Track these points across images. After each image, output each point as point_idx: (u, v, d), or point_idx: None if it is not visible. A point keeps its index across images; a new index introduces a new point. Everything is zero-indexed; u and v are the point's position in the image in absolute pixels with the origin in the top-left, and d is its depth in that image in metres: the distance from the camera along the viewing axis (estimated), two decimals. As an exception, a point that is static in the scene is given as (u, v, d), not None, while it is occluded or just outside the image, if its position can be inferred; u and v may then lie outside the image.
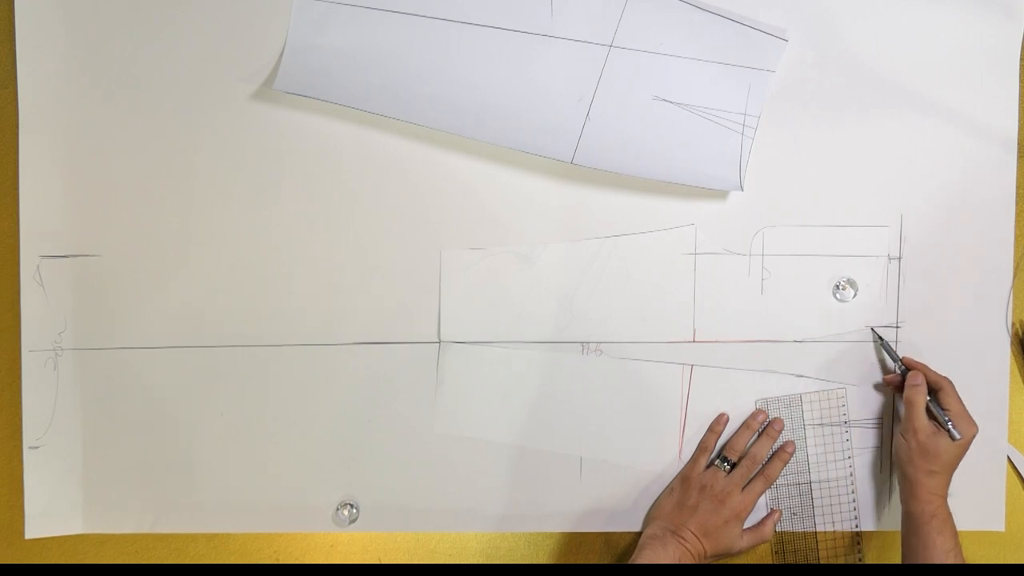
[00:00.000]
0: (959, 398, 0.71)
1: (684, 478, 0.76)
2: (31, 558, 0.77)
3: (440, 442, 0.77)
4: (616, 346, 0.77)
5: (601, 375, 0.77)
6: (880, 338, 0.76)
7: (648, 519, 0.77)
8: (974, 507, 0.77)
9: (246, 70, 0.75)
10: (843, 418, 0.77)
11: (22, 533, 0.77)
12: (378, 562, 0.78)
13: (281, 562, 0.78)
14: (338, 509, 0.77)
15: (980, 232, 0.76)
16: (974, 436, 0.70)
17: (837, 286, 0.77)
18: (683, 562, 0.70)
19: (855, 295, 0.77)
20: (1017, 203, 0.77)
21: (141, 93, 0.75)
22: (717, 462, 0.76)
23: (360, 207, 0.76)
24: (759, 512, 0.77)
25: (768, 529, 0.76)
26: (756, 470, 0.76)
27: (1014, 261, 0.77)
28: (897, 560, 0.73)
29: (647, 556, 0.70)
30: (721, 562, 0.76)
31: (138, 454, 0.77)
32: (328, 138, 0.76)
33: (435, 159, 0.76)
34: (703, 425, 0.77)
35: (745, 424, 0.77)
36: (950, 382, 0.72)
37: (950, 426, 0.70)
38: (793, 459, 0.77)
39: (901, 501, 0.72)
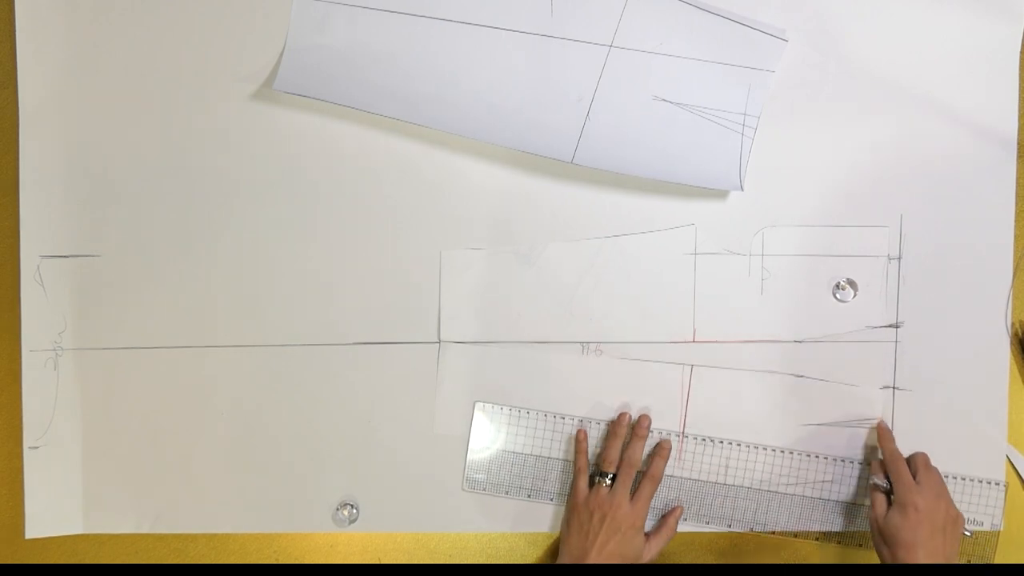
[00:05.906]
0: None
1: (572, 507, 0.73)
2: (31, 558, 0.77)
3: (440, 442, 0.77)
4: (616, 346, 0.77)
5: (601, 375, 0.77)
6: None
7: (559, 553, 0.73)
8: (974, 507, 0.77)
9: (246, 70, 0.75)
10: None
11: (22, 533, 0.77)
12: (378, 562, 0.78)
13: (281, 562, 0.78)
14: (338, 509, 0.77)
15: (980, 232, 0.76)
16: None
17: (837, 286, 0.77)
18: None
19: (855, 295, 0.77)
20: (1017, 203, 0.77)
21: (141, 93, 0.75)
22: (598, 479, 0.72)
23: (360, 207, 0.76)
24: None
25: (671, 525, 0.73)
26: (635, 474, 0.72)
27: (1014, 261, 0.77)
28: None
29: None
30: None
31: (138, 454, 0.77)
32: (328, 138, 0.76)
33: (435, 159, 0.76)
34: (703, 425, 0.77)
35: (611, 432, 0.74)
36: None
37: None
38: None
39: None
